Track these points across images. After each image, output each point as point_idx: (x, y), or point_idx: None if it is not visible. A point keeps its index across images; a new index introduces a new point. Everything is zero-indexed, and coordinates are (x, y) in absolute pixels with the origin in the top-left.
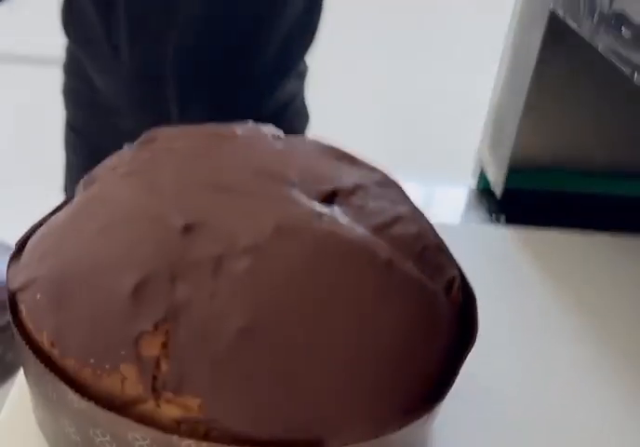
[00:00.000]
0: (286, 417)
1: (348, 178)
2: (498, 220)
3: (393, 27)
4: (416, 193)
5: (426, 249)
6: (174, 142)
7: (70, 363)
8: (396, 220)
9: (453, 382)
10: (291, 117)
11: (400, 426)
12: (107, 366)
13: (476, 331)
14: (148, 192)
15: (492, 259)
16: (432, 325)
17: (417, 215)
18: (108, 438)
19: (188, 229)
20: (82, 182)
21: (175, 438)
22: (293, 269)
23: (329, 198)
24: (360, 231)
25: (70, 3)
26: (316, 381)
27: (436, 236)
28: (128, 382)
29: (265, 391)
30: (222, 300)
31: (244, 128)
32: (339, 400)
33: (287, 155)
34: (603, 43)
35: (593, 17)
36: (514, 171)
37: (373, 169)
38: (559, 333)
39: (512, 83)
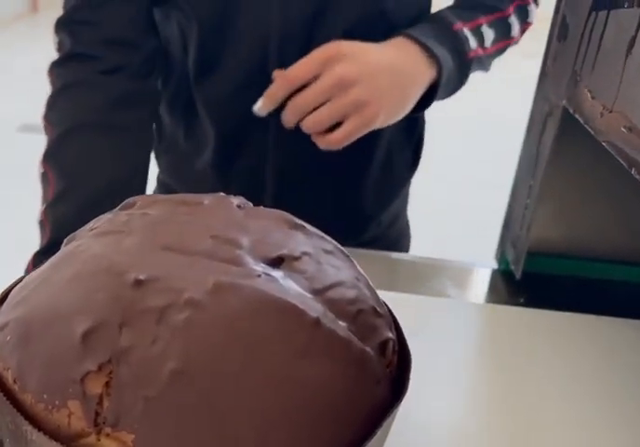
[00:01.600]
0: None
1: (297, 245)
2: (517, 301)
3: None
4: (443, 273)
5: (361, 312)
6: (148, 208)
7: (27, 398)
8: (335, 284)
9: (374, 434)
10: (397, 236)
11: None
12: (57, 402)
13: (404, 393)
14: (113, 250)
15: (506, 336)
16: (357, 382)
17: (358, 281)
18: None
19: (139, 283)
20: (66, 240)
21: None
22: (225, 322)
23: (276, 263)
24: (294, 292)
25: (160, 131)
26: (239, 422)
27: (376, 301)
28: (74, 417)
29: (192, 430)
30: (161, 346)
31: (211, 198)
32: (259, 442)
33: (245, 223)
34: (606, 138)
35: (598, 115)
36: (533, 256)
37: (323, 239)
38: (563, 413)
39: (527, 173)
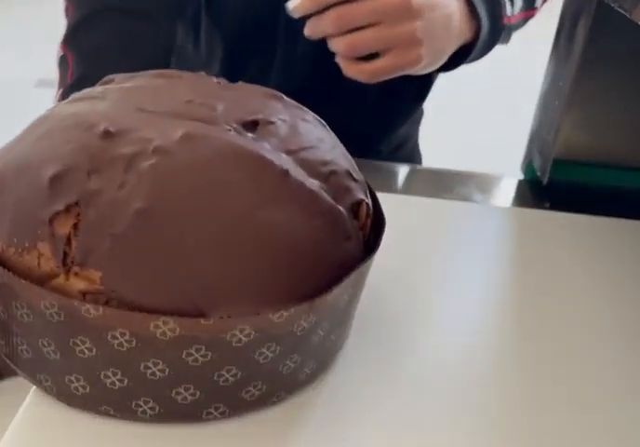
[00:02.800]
0: (174, 290)
1: (273, 112)
2: (542, 207)
3: None
4: (473, 181)
5: (334, 173)
6: (126, 82)
7: (0, 245)
8: (310, 147)
9: (339, 283)
10: (404, 160)
11: (279, 310)
12: (27, 244)
13: (374, 251)
14: (87, 110)
15: (531, 237)
16: (324, 233)
17: (334, 148)
18: (26, 309)
19: (108, 134)
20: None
21: (76, 302)
22: (192, 167)
23: (250, 126)
24: (265, 148)
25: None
26: (202, 260)
27: (352, 167)
28: (44, 258)
29: (156, 266)
30: (128, 189)
31: (190, 73)
32: (222, 279)
33: (222, 92)
34: None
35: None
36: (559, 163)
37: (302, 109)
38: (581, 307)
39: (557, 75)
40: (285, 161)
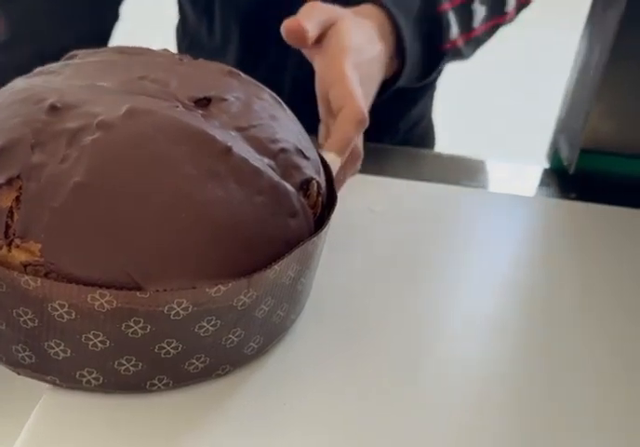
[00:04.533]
0: (111, 263)
1: (227, 89)
2: (568, 197)
3: None
4: (497, 170)
5: (284, 151)
6: (88, 58)
7: None
8: (261, 124)
9: (276, 262)
10: (420, 137)
11: (216, 284)
12: None
13: (321, 229)
14: (39, 85)
15: (555, 227)
16: (267, 210)
17: (286, 126)
18: None
19: (54, 109)
20: None
21: (16, 274)
22: (133, 142)
23: (202, 103)
24: (212, 124)
25: (184, 27)
26: (139, 234)
27: (306, 146)
28: None
29: (93, 239)
30: (69, 163)
31: (154, 50)
32: (159, 253)
33: (178, 68)
34: None
35: None
36: (586, 153)
37: (259, 87)
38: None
39: (586, 70)
40: (230, 138)
